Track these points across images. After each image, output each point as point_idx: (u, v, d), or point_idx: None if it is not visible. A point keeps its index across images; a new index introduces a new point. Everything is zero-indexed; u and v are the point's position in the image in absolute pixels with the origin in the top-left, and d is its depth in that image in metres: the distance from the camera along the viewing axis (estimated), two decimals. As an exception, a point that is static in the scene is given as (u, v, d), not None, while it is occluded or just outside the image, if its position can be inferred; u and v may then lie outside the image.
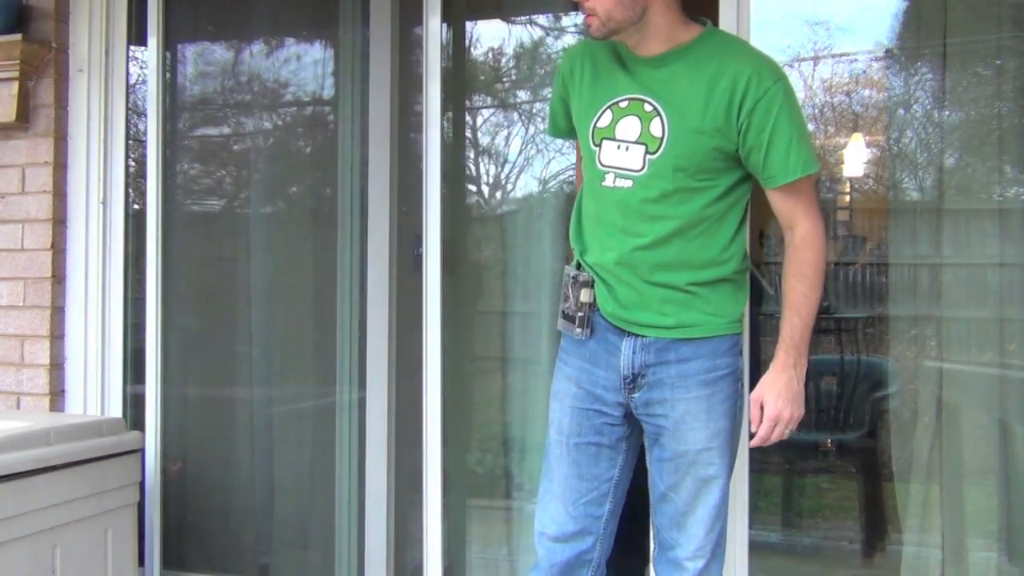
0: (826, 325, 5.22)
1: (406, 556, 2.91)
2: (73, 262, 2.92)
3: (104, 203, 2.92)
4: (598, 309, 1.88)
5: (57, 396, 2.90)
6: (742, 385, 1.91)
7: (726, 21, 2.29)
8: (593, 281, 1.88)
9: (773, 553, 3.68)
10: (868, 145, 5.48)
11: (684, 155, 1.77)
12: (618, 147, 1.81)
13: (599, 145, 1.84)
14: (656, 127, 1.78)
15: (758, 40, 2.29)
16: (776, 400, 1.77)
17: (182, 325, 3.04)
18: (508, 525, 2.90)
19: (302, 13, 3.14)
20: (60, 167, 2.91)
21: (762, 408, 1.80)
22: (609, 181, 1.82)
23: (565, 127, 2.02)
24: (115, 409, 2.92)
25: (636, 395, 1.86)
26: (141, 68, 3.03)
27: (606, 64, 1.87)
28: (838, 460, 4.36)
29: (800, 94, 6.29)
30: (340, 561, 2.99)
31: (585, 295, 1.88)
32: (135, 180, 3.03)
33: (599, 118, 1.84)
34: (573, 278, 1.90)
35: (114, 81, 2.95)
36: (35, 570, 2.21)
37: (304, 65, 3.20)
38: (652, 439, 1.89)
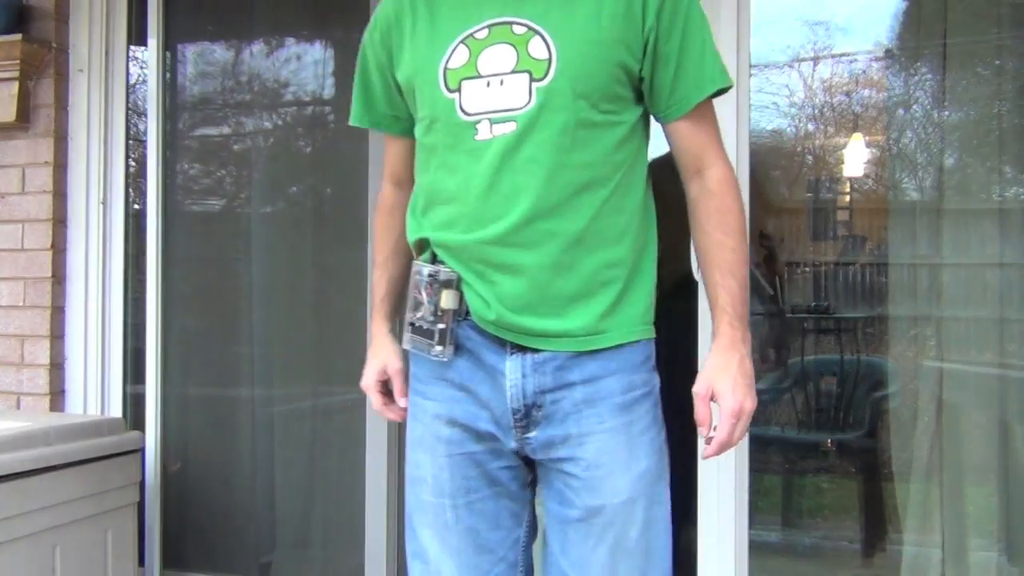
0: (826, 325, 5.23)
1: (406, 555, 2.90)
2: (73, 262, 2.92)
3: (104, 203, 2.92)
4: (467, 318, 1.42)
5: (57, 396, 2.90)
6: (660, 412, 1.49)
7: (726, 20, 2.29)
8: (458, 280, 1.41)
9: (773, 553, 3.68)
10: (868, 145, 5.49)
11: (585, 75, 1.37)
12: (487, 84, 1.38)
13: (458, 89, 1.40)
14: (538, 48, 1.38)
15: (758, 40, 2.29)
16: (734, 389, 1.37)
17: (182, 325, 3.04)
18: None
19: (302, 13, 3.14)
20: (60, 167, 2.90)
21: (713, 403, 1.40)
22: (484, 132, 1.38)
23: (384, 106, 1.57)
24: (115, 409, 2.92)
25: (532, 435, 1.41)
26: (141, 68, 3.03)
27: None
28: (838, 460, 4.36)
29: (800, 94, 6.29)
30: (340, 561, 2.99)
31: (447, 299, 1.41)
32: (135, 180, 3.03)
33: (450, 57, 1.41)
34: (431, 276, 1.42)
35: (114, 81, 2.95)
36: (35, 570, 2.21)
37: (304, 65, 3.20)
38: (551, 492, 1.45)
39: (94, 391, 2.92)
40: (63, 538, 2.29)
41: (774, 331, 4.56)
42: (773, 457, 4.14)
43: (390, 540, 2.86)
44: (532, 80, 1.37)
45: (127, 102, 2.97)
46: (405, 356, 1.56)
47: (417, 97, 1.47)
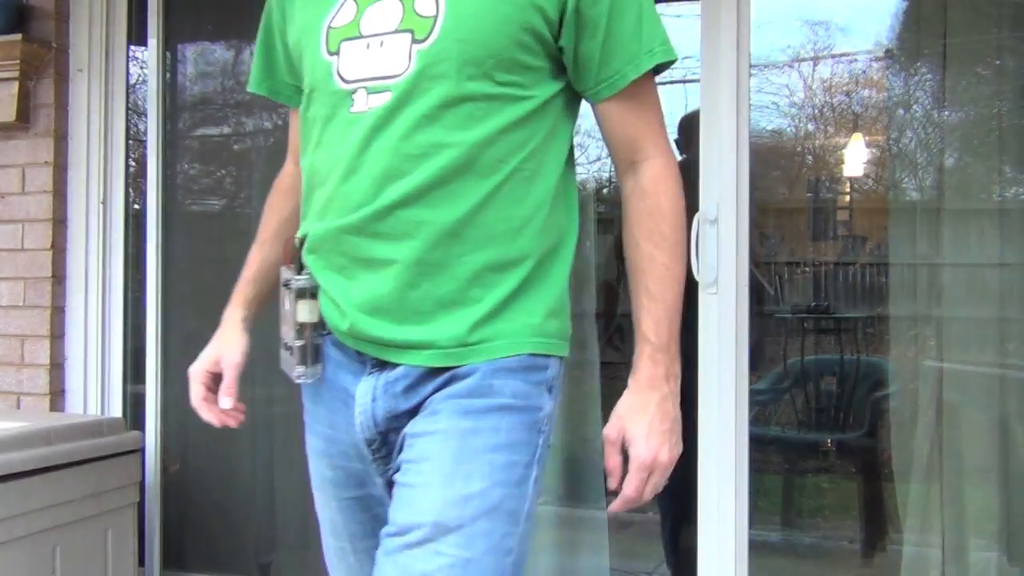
0: (826, 325, 5.23)
1: None
2: (73, 262, 2.92)
3: (104, 203, 2.92)
4: (329, 331, 1.24)
5: (57, 396, 2.90)
6: (542, 445, 1.19)
7: (726, 20, 2.29)
8: (314, 288, 1.23)
9: (773, 553, 3.68)
10: (868, 145, 5.49)
11: (476, 38, 1.13)
12: (367, 46, 1.17)
13: (337, 52, 1.19)
14: (425, 3, 1.15)
15: (758, 40, 2.29)
16: (648, 436, 1.14)
17: (182, 325, 3.04)
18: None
19: (302, 13, 3.14)
20: (60, 167, 2.90)
21: (625, 450, 1.17)
22: (360, 103, 1.16)
23: (285, 74, 1.38)
24: (115, 409, 2.92)
25: (393, 466, 1.20)
26: (141, 68, 3.03)
27: None
28: (838, 460, 4.36)
29: (800, 94, 6.30)
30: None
31: (303, 311, 1.23)
32: (135, 180, 3.03)
33: (336, 15, 1.21)
34: (285, 284, 1.26)
35: (114, 81, 2.95)
36: (35, 570, 2.21)
37: (304, 65, 3.20)
38: None
39: (94, 391, 2.92)
40: (63, 538, 2.29)
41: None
42: (773, 457, 4.14)
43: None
44: (413, 42, 1.14)
45: (127, 102, 2.97)
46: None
47: (303, 63, 1.26)
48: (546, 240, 1.19)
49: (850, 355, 4.52)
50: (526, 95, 1.16)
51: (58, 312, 2.90)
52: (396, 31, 1.15)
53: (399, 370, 1.17)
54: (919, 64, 2.70)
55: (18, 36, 2.81)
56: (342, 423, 1.22)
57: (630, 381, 1.19)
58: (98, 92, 2.92)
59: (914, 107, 2.75)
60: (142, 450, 2.67)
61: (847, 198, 6.64)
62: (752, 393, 2.35)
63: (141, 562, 2.83)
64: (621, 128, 1.22)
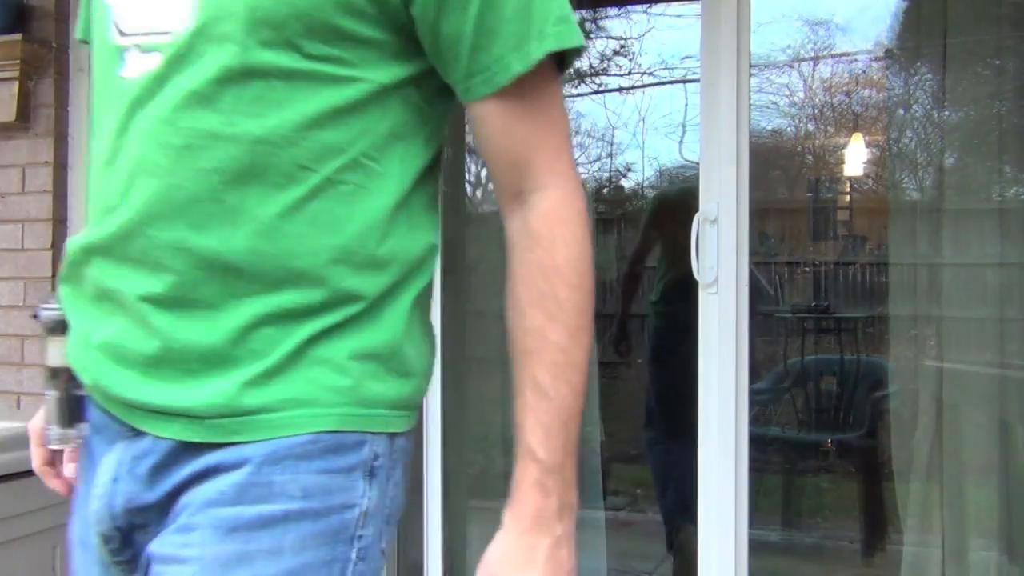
0: (826, 325, 5.24)
1: (406, 556, 2.91)
2: (73, 262, 2.92)
3: (104, 203, 2.93)
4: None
5: (57, 396, 2.90)
6: (356, 558, 0.89)
7: (726, 21, 2.29)
8: (65, 323, 0.92)
9: (773, 553, 3.68)
10: (868, 145, 5.50)
11: None
12: None
13: None
14: None
15: (758, 40, 2.29)
16: None
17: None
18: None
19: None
20: (60, 167, 2.90)
21: None
22: (131, 66, 0.84)
23: None
24: (115, 409, 2.93)
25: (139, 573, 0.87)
26: (141, 68, 3.04)
27: None
28: (838, 460, 4.37)
29: (800, 94, 6.31)
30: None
31: (57, 353, 0.93)
32: (135, 180, 3.04)
33: None
34: (35, 316, 0.97)
35: (114, 81, 2.95)
36: (35, 570, 2.21)
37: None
38: None
39: (94, 391, 2.92)
40: (63, 538, 2.28)
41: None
42: (773, 457, 4.15)
43: (390, 541, 2.86)
44: None
45: (127, 102, 2.97)
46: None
47: (91, 7, 0.98)
48: (376, 280, 0.85)
49: (850, 355, 4.52)
50: (350, 76, 0.82)
51: (58, 312, 2.90)
52: None
53: (145, 442, 0.84)
54: (919, 64, 2.70)
55: (18, 36, 2.81)
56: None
57: (506, 516, 0.83)
58: (98, 92, 2.92)
59: (914, 107, 2.75)
60: (142, 450, 2.67)
61: (847, 198, 6.65)
62: (752, 393, 2.35)
63: (141, 562, 2.83)
64: (504, 141, 0.86)
